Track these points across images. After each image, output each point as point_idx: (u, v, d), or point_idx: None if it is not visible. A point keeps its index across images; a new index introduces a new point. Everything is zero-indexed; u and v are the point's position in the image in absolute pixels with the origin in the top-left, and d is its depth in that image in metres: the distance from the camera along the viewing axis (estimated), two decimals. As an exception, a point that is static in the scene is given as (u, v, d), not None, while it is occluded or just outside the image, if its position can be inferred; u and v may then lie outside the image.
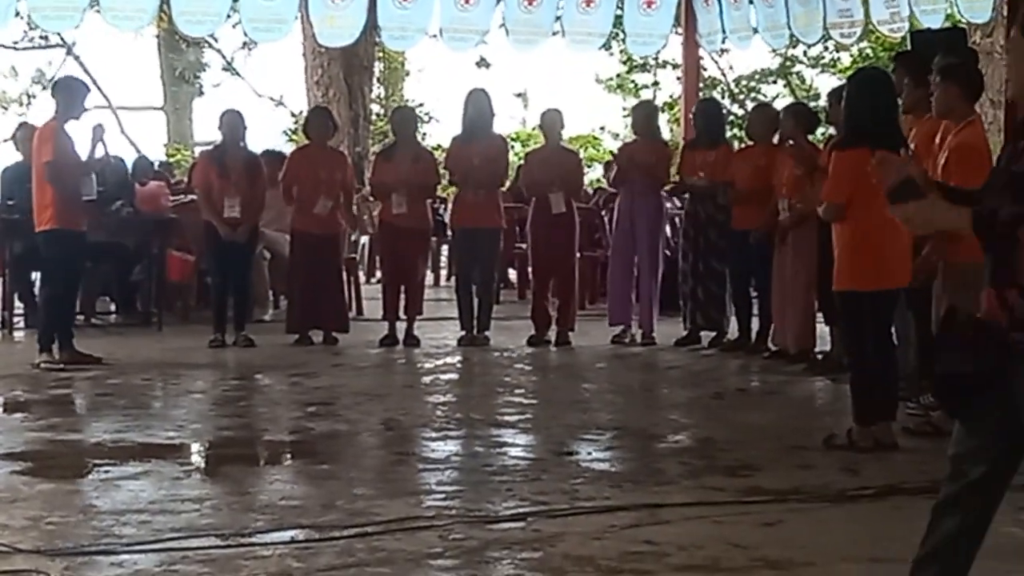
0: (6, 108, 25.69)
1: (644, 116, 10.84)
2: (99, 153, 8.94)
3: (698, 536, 4.67)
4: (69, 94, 8.80)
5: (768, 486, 5.43)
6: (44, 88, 23.11)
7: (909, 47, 10.23)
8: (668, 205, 11.12)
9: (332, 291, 10.36)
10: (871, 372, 6.19)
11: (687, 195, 10.44)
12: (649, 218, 10.32)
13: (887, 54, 17.89)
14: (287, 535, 4.63)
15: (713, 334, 10.10)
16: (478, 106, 10.20)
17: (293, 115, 23.30)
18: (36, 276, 10.76)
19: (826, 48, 20.73)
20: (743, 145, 10.43)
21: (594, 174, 21.48)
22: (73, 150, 8.73)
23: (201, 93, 26.98)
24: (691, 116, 11.07)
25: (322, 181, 10.14)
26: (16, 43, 23.51)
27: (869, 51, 19.46)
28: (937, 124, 6.84)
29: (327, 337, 10.26)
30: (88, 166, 8.86)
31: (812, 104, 15.35)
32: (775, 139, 9.53)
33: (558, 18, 13.06)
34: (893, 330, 6.49)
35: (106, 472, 5.71)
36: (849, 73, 16.84)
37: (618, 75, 25.50)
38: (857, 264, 6.15)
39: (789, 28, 12.52)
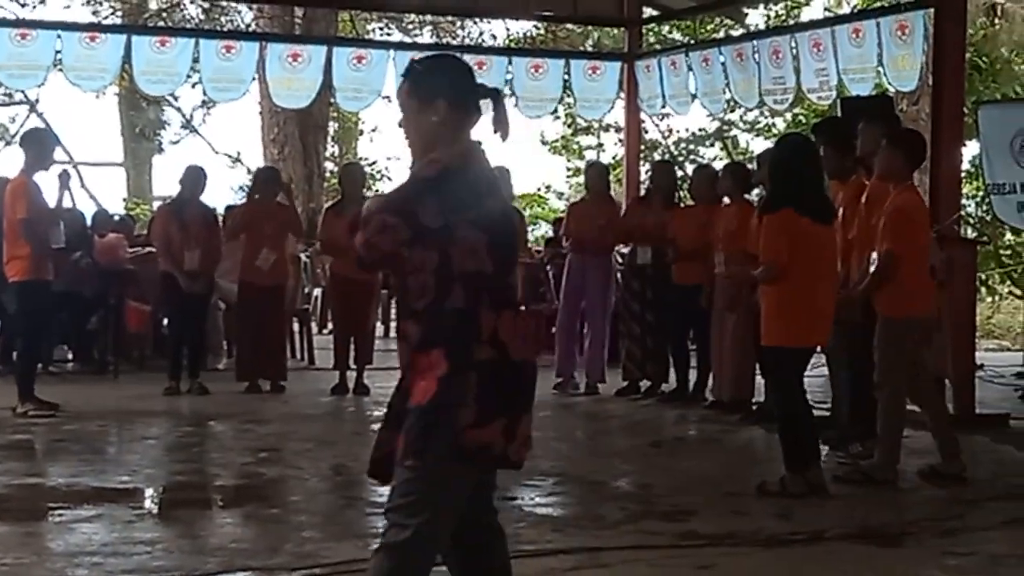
0: (-31, 162, 25.59)
1: (597, 175, 11.13)
2: (66, 202, 9.08)
3: (636, 578, 4.77)
4: (39, 146, 8.93)
5: (703, 531, 5.58)
6: (8, 144, 23.15)
7: (839, 113, 10.53)
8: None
9: (272, 341, 10.53)
10: (800, 421, 6.41)
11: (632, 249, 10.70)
12: (600, 275, 10.58)
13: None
14: (237, 577, 4.69)
15: (648, 384, 10.35)
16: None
17: (250, 172, 23.39)
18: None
19: (762, 113, 21.19)
20: (684, 204, 10.71)
21: (539, 231, 21.77)
22: (43, 201, 8.86)
23: (161, 150, 27.03)
24: (650, 174, 11.28)
25: (267, 236, 10.33)
26: (-20, 100, 23.56)
27: (802, 117, 19.89)
28: (862, 187, 7.17)
29: (273, 386, 10.41)
30: (56, 214, 9.00)
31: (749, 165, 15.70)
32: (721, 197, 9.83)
33: (508, 82, 13.37)
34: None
35: (60, 516, 5.79)
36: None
37: (563, 137, 25.90)
38: (784, 321, 6.37)
39: (729, 92, 12.85)
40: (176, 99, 22.22)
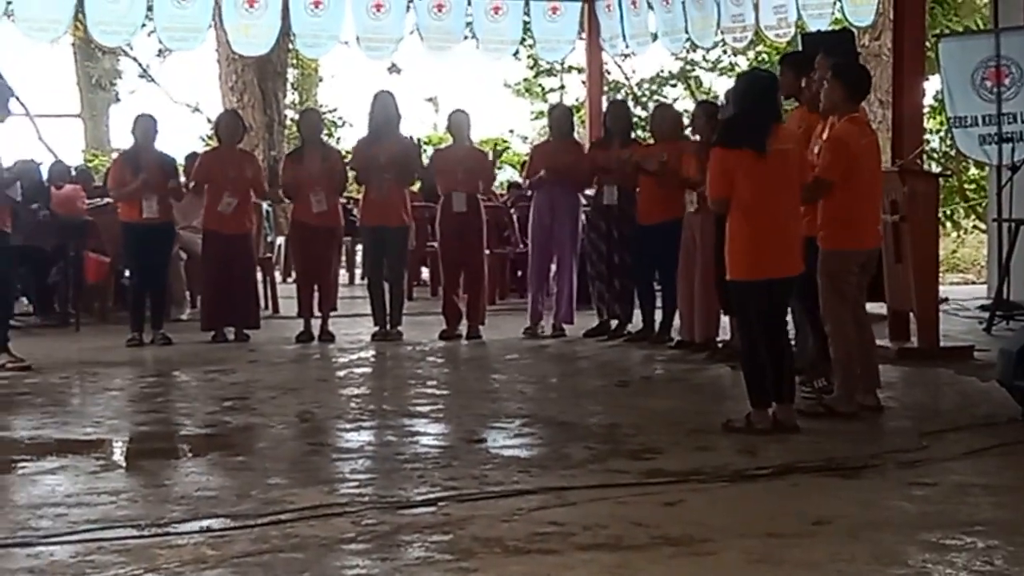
0: (-80, 116, 25.16)
1: (561, 117, 11.07)
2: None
3: (602, 516, 4.78)
4: None
5: (670, 468, 5.58)
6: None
7: (800, 49, 10.49)
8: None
9: (243, 288, 10.46)
10: (763, 358, 6.41)
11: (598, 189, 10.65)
12: (569, 215, 10.54)
13: (781, 58, 18.24)
14: (202, 524, 4.65)
15: (616, 324, 10.34)
16: (384, 107, 10.33)
17: (209, 121, 23.15)
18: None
19: (724, 52, 21.13)
20: (645, 143, 10.69)
21: (503, 176, 21.68)
22: None
23: (117, 100, 26.70)
24: (604, 115, 11.31)
25: (230, 180, 10.25)
26: (-70, 52, 23.10)
27: (765, 55, 19.85)
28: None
29: (238, 334, 10.35)
30: (10, 170, 8.84)
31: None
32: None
33: (468, 24, 13.27)
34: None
35: (24, 468, 5.73)
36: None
37: (525, 79, 25.72)
38: (742, 255, 6.37)
39: (687, 32, 12.79)
40: (131, 48, 21.93)
